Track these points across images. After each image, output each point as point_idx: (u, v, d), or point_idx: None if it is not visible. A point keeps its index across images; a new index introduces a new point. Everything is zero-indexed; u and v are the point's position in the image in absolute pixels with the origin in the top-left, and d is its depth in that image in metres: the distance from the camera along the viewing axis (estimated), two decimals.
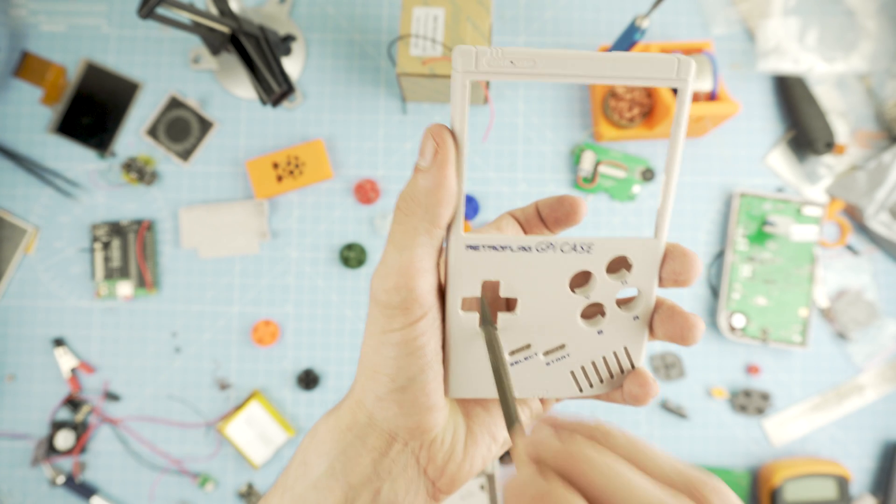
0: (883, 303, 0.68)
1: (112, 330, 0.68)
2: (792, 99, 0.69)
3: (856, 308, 0.68)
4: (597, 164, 0.68)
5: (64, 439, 0.66)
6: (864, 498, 0.66)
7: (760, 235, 0.68)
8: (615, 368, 0.28)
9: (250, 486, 0.67)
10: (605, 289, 0.27)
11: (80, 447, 0.67)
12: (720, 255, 0.69)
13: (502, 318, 0.27)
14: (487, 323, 0.26)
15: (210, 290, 0.69)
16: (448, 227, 0.25)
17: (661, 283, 0.27)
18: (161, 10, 0.67)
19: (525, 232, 0.29)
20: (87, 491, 0.66)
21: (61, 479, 0.66)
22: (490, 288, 0.27)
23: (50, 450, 0.66)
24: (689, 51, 0.65)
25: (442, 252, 0.26)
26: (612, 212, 0.69)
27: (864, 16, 0.70)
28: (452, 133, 0.24)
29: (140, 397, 0.68)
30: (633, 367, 0.28)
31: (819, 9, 0.70)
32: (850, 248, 0.69)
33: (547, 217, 0.29)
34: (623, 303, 0.28)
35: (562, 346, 0.27)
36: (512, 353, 0.27)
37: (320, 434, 0.28)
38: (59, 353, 0.67)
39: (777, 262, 0.68)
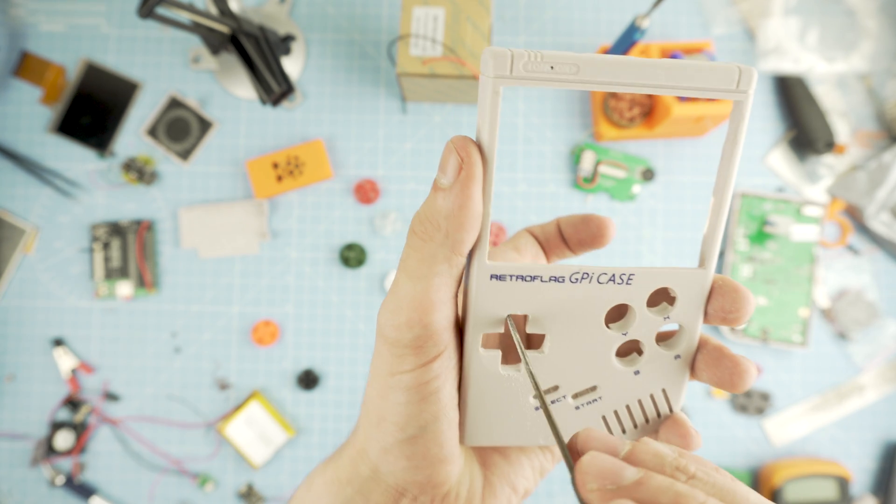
0: (883, 303, 0.68)
1: (112, 330, 0.68)
2: (792, 99, 0.68)
3: (856, 308, 0.68)
4: (597, 164, 0.68)
5: (63, 440, 0.66)
6: (864, 498, 0.66)
7: (761, 235, 0.68)
8: (651, 412, 0.25)
9: (250, 487, 0.67)
10: (644, 325, 0.24)
11: (79, 447, 0.67)
12: (721, 256, 0.69)
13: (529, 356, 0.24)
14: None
15: (210, 290, 0.68)
16: (470, 253, 0.22)
17: (707, 319, 0.24)
18: (161, 10, 0.67)
19: (545, 252, 0.27)
20: (86, 491, 0.66)
21: (61, 480, 0.66)
22: (516, 321, 0.24)
23: (49, 450, 0.66)
24: (689, 51, 0.65)
25: (461, 281, 0.23)
26: (612, 212, 0.69)
27: (865, 15, 0.70)
28: (479, 147, 0.21)
29: (140, 397, 0.68)
30: (670, 410, 0.25)
31: (819, 8, 0.70)
32: (850, 248, 0.69)
33: (570, 237, 0.26)
34: (661, 338, 0.25)
35: (593, 388, 0.25)
36: (536, 396, 0.24)
37: (316, 486, 0.25)
38: (59, 353, 0.67)
39: (777, 263, 0.68)
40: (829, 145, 0.67)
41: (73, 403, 0.67)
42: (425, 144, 0.69)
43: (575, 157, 0.69)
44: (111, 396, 0.68)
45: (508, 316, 0.23)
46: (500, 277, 0.23)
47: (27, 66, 0.69)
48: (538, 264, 0.23)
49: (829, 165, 0.70)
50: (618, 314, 0.24)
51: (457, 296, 0.23)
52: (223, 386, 0.68)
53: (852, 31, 0.70)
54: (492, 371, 0.24)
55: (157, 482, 0.67)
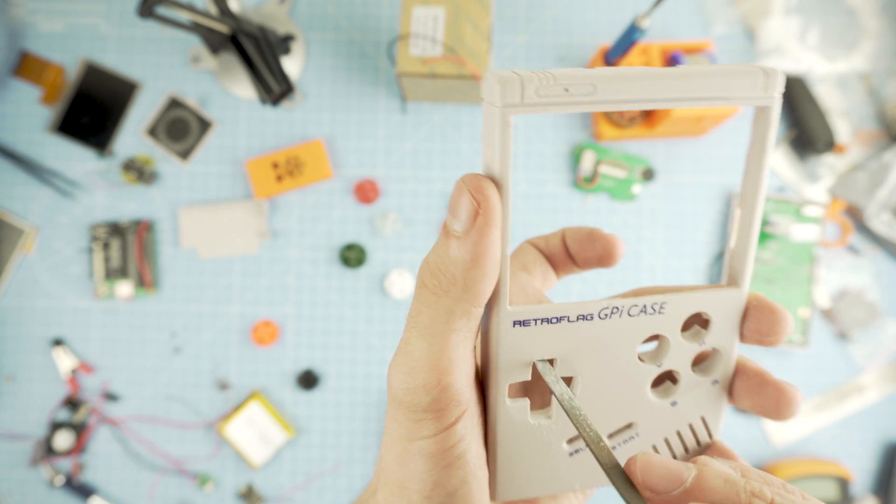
0: (884, 303, 0.68)
1: (111, 330, 0.68)
2: (792, 99, 0.68)
3: (857, 308, 0.67)
4: (597, 163, 0.68)
5: (63, 440, 0.66)
6: (865, 499, 0.66)
7: (761, 235, 0.68)
8: (690, 442, 0.24)
9: (250, 487, 0.67)
10: (679, 353, 0.22)
11: (79, 448, 0.66)
12: (720, 256, 0.69)
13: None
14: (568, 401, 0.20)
15: (209, 290, 0.68)
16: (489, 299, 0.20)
17: (742, 339, 0.23)
18: (160, 10, 0.67)
19: (552, 266, 0.25)
20: (86, 492, 0.66)
21: (60, 480, 0.66)
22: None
23: (49, 450, 0.66)
24: (690, 51, 0.65)
25: (479, 331, 0.21)
26: (612, 212, 0.69)
27: (866, 15, 0.70)
28: (496, 184, 0.19)
29: (139, 397, 0.68)
30: (710, 437, 0.24)
31: (820, 8, 0.70)
32: (851, 248, 0.69)
33: (576, 254, 0.24)
34: (696, 361, 0.23)
35: (629, 426, 0.23)
36: (570, 441, 0.23)
37: None
38: (59, 353, 0.67)
39: (778, 263, 0.68)
40: (830, 145, 0.67)
41: (72, 403, 0.67)
42: (425, 144, 0.69)
43: (575, 157, 0.69)
44: (111, 397, 0.68)
45: (536, 362, 0.21)
46: (523, 323, 0.21)
47: (26, 66, 0.69)
48: (564, 305, 0.21)
49: (829, 165, 0.70)
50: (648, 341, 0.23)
51: (475, 347, 0.21)
52: (223, 386, 0.68)
53: (853, 30, 0.70)
54: (521, 421, 0.22)
55: (157, 482, 0.67)
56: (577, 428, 0.20)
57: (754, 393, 0.22)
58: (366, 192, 0.68)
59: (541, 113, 0.19)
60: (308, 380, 0.67)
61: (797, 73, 0.69)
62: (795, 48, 0.69)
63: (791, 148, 0.70)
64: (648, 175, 0.69)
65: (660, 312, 0.21)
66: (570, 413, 0.20)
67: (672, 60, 0.64)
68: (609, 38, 0.70)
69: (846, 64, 0.69)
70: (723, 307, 0.22)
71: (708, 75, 0.19)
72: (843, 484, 0.64)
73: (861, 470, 0.67)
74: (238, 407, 0.67)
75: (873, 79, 0.70)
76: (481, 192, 0.19)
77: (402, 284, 0.68)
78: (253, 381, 0.68)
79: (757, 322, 0.22)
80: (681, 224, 0.69)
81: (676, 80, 0.19)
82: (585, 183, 0.68)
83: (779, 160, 0.70)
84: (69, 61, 0.70)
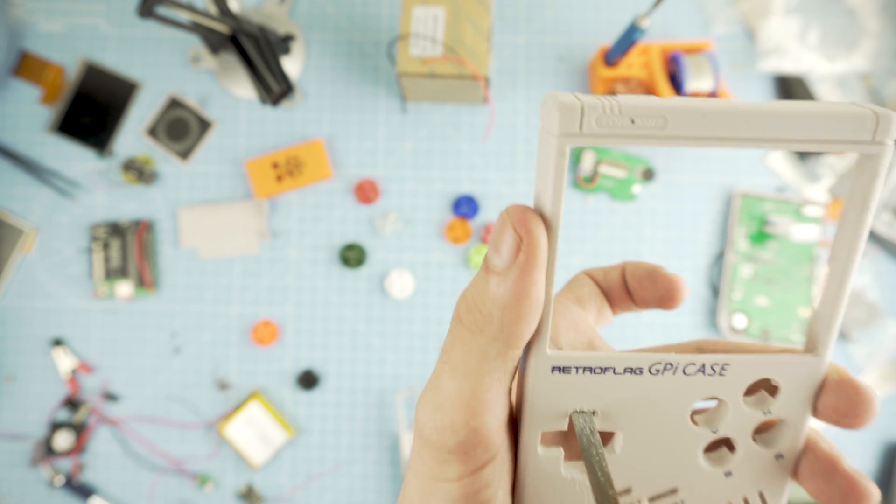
0: (884, 303, 0.68)
1: (111, 330, 0.68)
2: (793, 98, 0.68)
3: (857, 308, 0.67)
4: (597, 163, 0.68)
5: (63, 440, 0.66)
6: None
7: (761, 235, 0.68)
8: None
9: (250, 487, 0.67)
10: (739, 420, 0.20)
11: (79, 448, 0.66)
12: (720, 257, 0.69)
13: None
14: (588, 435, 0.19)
15: (209, 291, 0.68)
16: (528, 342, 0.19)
17: (815, 414, 0.20)
18: (160, 10, 0.67)
19: (609, 301, 0.24)
20: (85, 492, 0.66)
21: (60, 480, 0.66)
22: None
23: (49, 450, 0.66)
24: (690, 50, 0.65)
25: (516, 373, 0.20)
26: (612, 212, 0.69)
27: (866, 15, 0.70)
28: (543, 219, 0.18)
29: (139, 398, 0.68)
30: None
31: (820, 8, 0.70)
32: None
33: (635, 291, 0.23)
34: (759, 429, 0.21)
35: (673, 491, 0.21)
36: None
37: None
38: (58, 353, 0.67)
39: (778, 263, 0.68)
40: None
41: (72, 404, 0.67)
42: (425, 144, 0.69)
43: (575, 157, 0.69)
44: (111, 397, 0.68)
45: (573, 413, 0.20)
46: (563, 370, 0.19)
47: (26, 66, 0.69)
48: (611, 354, 0.19)
49: (829, 165, 0.70)
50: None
51: (511, 389, 0.20)
52: (223, 386, 0.68)
53: (853, 30, 0.70)
54: (552, 473, 0.20)
55: (157, 482, 0.67)
56: (587, 469, 0.18)
57: (820, 478, 0.20)
58: (366, 192, 0.68)
59: (601, 144, 0.17)
60: (308, 380, 0.67)
61: (797, 73, 0.69)
62: (795, 48, 0.69)
63: None
64: (648, 175, 0.69)
65: (720, 374, 0.20)
66: (585, 452, 0.18)
67: (672, 60, 0.64)
68: (609, 38, 0.70)
69: (846, 64, 0.69)
70: (796, 375, 0.20)
71: (806, 115, 0.17)
72: None
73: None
74: (238, 407, 0.67)
75: (873, 79, 0.70)
76: (525, 226, 0.17)
77: (402, 284, 0.68)
78: (253, 381, 0.68)
79: (835, 399, 0.19)
80: (681, 224, 0.69)
81: (765, 118, 0.17)
82: (585, 183, 0.68)
83: (779, 160, 0.70)
84: (69, 61, 0.70)
